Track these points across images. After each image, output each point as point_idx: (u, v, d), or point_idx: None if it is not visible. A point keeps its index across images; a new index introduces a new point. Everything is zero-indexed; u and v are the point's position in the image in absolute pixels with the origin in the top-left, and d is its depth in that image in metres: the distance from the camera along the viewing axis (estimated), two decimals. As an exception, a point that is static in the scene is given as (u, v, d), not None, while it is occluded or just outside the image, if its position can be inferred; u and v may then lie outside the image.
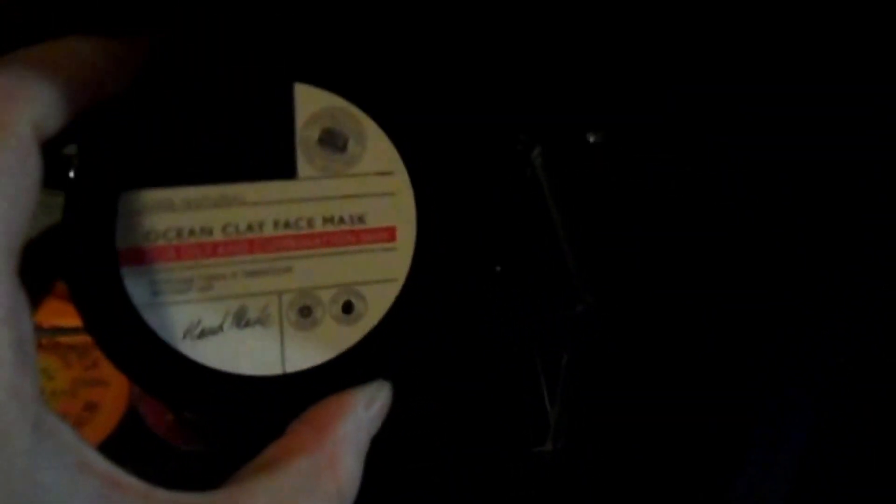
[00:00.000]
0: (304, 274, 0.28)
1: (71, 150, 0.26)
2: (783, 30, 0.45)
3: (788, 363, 0.44)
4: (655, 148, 0.45)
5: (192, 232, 0.26)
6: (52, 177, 0.23)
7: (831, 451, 0.44)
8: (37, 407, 0.20)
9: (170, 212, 0.26)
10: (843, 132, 0.45)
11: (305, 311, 0.27)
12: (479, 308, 0.49)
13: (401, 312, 0.28)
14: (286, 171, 0.27)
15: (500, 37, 0.48)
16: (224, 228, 0.27)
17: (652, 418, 0.46)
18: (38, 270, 0.26)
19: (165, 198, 0.26)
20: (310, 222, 0.27)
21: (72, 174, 0.25)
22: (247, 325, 0.27)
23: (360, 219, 0.28)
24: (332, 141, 0.27)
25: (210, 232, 0.26)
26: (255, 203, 0.27)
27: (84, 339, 0.46)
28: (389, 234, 0.28)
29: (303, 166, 0.27)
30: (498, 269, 0.48)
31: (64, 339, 0.50)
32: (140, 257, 0.26)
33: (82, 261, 0.25)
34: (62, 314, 0.48)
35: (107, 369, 0.51)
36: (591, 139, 0.46)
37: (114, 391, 0.51)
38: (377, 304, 0.28)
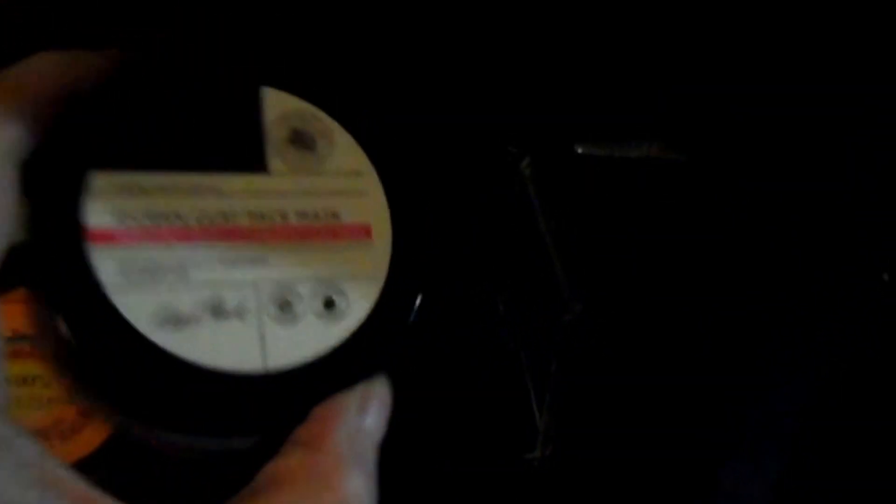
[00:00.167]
0: (281, 266, 0.27)
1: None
2: (776, 30, 0.46)
3: (776, 369, 0.45)
4: (645, 153, 0.46)
5: (165, 216, 0.26)
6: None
7: (814, 465, 0.45)
8: None
9: (142, 195, 0.26)
10: (841, 132, 0.46)
11: (285, 306, 0.27)
12: (468, 314, 0.50)
13: (386, 311, 0.27)
14: (257, 165, 0.27)
15: (488, 40, 0.48)
16: (197, 217, 0.26)
17: (641, 425, 0.47)
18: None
19: (137, 181, 0.26)
20: (283, 215, 0.27)
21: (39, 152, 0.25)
22: (224, 316, 0.26)
23: (335, 215, 0.28)
24: (302, 140, 0.27)
25: (183, 218, 0.26)
26: (228, 194, 0.27)
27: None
28: (365, 231, 0.28)
29: (274, 162, 0.27)
30: (487, 275, 0.49)
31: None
32: (110, 237, 0.25)
33: (47, 236, 0.24)
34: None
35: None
36: (580, 150, 0.47)
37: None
38: (359, 301, 0.27)
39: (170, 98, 0.26)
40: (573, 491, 0.48)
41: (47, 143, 0.25)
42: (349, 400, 0.25)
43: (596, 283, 0.47)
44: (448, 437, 0.49)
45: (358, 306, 0.27)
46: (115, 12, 0.57)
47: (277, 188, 0.27)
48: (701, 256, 0.46)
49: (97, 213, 0.25)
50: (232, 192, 0.27)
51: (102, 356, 0.24)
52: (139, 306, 0.25)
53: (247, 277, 0.27)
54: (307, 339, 0.27)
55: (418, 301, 0.27)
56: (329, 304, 0.27)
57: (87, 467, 0.44)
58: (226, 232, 0.27)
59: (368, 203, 0.29)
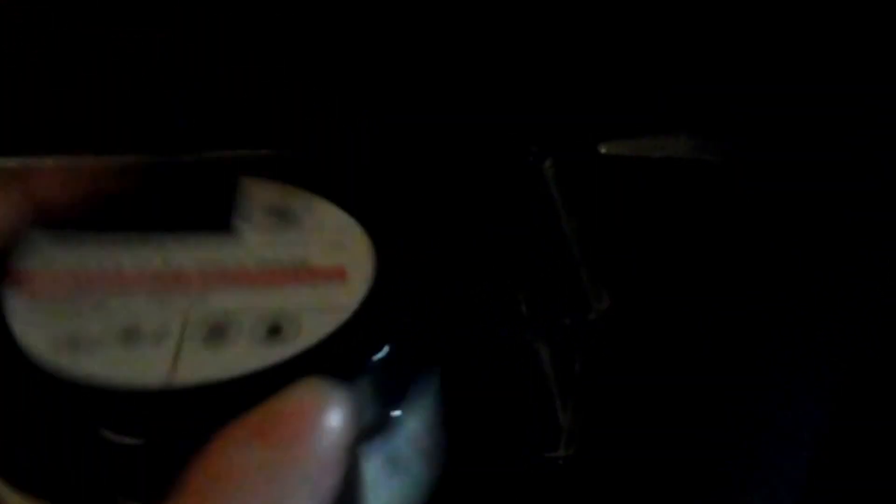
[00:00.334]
0: (224, 299, 0.26)
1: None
2: (776, 30, 0.46)
3: (802, 370, 0.46)
4: (673, 153, 0.46)
5: (100, 263, 0.25)
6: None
7: (841, 464, 0.45)
8: None
9: (79, 247, 0.25)
10: (841, 132, 0.46)
11: (216, 329, 0.25)
12: (490, 314, 0.50)
13: (341, 342, 0.26)
14: (224, 228, 0.25)
15: (510, 39, 0.48)
16: (137, 264, 0.25)
17: (666, 425, 0.47)
18: None
19: (77, 237, 0.25)
20: (241, 263, 0.26)
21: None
22: (137, 339, 0.25)
23: (304, 262, 0.27)
24: (278, 212, 0.25)
25: (119, 265, 0.25)
26: (179, 249, 0.26)
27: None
28: (339, 273, 0.27)
29: (244, 227, 0.25)
30: (510, 274, 0.49)
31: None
32: (31, 278, 0.24)
33: None
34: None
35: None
36: (603, 150, 0.47)
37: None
38: (313, 331, 0.26)
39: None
40: (597, 490, 0.49)
41: None
42: (239, 430, 0.22)
43: (619, 283, 0.47)
44: (471, 436, 0.49)
45: (309, 335, 0.26)
46: (115, 12, 0.56)
47: (241, 243, 0.26)
48: (726, 257, 0.46)
49: (26, 258, 0.24)
50: (186, 247, 0.26)
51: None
52: (39, 332, 0.24)
53: (177, 307, 0.25)
54: (231, 360, 0.25)
55: (384, 347, 0.26)
56: (274, 330, 0.26)
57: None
58: (166, 276, 0.25)
59: (346, 253, 0.28)
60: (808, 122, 0.47)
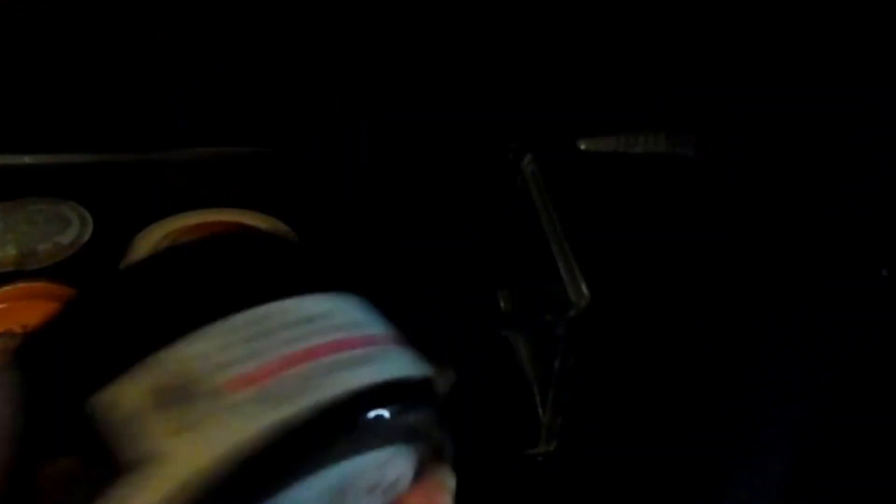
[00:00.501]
0: None
1: None
2: (776, 29, 0.46)
3: (785, 365, 0.46)
4: (651, 149, 0.46)
5: None
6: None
7: (825, 454, 0.45)
8: None
9: None
10: (840, 132, 0.46)
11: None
12: (470, 311, 0.50)
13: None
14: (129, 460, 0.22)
15: (490, 40, 0.48)
16: None
17: (646, 422, 0.47)
18: None
19: None
20: None
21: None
22: None
23: None
24: (171, 394, 0.22)
25: None
26: None
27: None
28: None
29: (141, 444, 0.22)
30: (490, 271, 0.49)
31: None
32: None
33: None
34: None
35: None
36: (583, 146, 0.47)
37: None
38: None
39: None
40: (577, 487, 0.49)
41: None
42: None
43: (599, 280, 0.47)
44: (451, 433, 0.49)
45: None
46: (115, 12, 0.57)
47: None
48: (705, 254, 0.46)
49: None
50: None
51: None
52: None
53: None
54: None
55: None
56: None
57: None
58: None
59: None
60: (808, 122, 0.46)
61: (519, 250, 0.49)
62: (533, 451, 0.49)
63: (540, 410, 0.49)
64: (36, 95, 0.60)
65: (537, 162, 0.48)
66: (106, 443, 0.21)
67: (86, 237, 0.54)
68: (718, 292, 0.46)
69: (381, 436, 0.24)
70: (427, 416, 0.25)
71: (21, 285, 0.51)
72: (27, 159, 0.59)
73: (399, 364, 0.24)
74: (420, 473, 0.25)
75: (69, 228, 0.54)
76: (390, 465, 0.24)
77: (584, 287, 0.46)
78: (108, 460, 0.21)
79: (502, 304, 0.51)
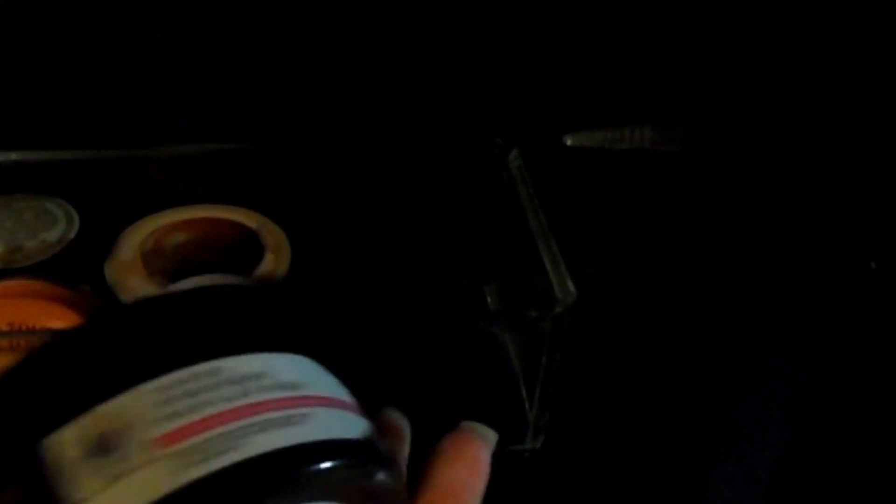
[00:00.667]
0: None
1: None
2: (776, 30, 0.45)
3: (768, 361, 0.45)
4: (637, 145, 0.46)
5: None
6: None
7: (810, 451, 0.45)
8: None
9: None
10: (839, 131, 0.45)
11: None
12: (457, 307, 0.50)
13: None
14: None
15: (476, 39, 0.48)
16: None
17: (632, 416, 0.47)
18: None
19: None
20: None
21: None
22: None
23: None
24: (104, 445, 0.23)
25: None
26: None
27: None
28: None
29: (75, 490, 0.23)
30: (477, 268, 0.49)
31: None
32: None
33: None
34: (54, 316, 0.48)
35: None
36: (569, 142, 0.47)
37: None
38: None
39: None
40: (564, 483, 0.49)
41: None
42: None
43: (586, 275, 0.47)
44: (438, 429, 0.49)
45: None
46: (115, 12, 0.56)
47: None
48: (692, 250, 0.46)
49: None
50: None
51: None
52: None
53: None
54: None
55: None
56: None
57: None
58: None
59: None
60: (808, 122, 0.46)
61: (505, 246, 0.49)
62: (520, 448, 0.49)
63: (527, 406, 0.49)
64: (25, 93, 0.60)
65: (523, 157, 0.47)
66: (47, 484, 0.23)
67: (72, 234, 0.53)
68: (706, 288, 0.46)
69: (305, 493, 0.24)
70: (357, 475, 0.25)
71: (7, 283, 0.50)
72: (14, 156, 0.59)
73: (330, 425, 0.25)
74: None
75: (56, 225, 0.54)
76: None
77: (570, 283, 0.46)
78: (48, 500, 0.22)
79: (489, 300, 0.51)
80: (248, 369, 0.25)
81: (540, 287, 0.47)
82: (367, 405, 0.30)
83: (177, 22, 0.58)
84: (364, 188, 0.53)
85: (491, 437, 0.30)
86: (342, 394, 0.27)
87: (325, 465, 0.24)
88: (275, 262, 0.51)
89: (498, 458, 0.49)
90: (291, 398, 0.25)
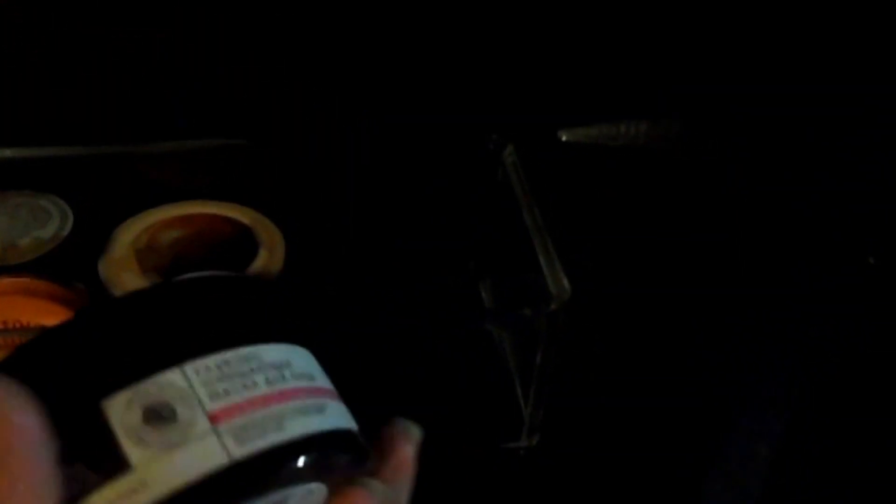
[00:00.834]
0: None
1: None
2: (776, 29, 0.45)
3: (765, 359, 0.45)
4: (631, 141, 0.45)
5: None
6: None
7: (806, 450, 0.45)
8: None
9: None
10: (839, 131, 0.45)
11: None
12: (452, 304, 0.49)
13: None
14: (117, 467, 0.24)
15: (474, 34, 0.48)
16: None
17: (627, 414, 0.47)
18: None
19: None
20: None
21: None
22: None
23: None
24: (158, 415, 0.25)
25: None
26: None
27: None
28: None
29: (134, 453, 0.24)
30: (471, 266, 0.49)
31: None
32: None
33: None
34: (48, 313, 0.48)
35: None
36: (563, 137, 0.47)
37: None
38: None
39: None
40: (558, 481, 0.49)
41: None
42: None
43: (581, 272, 0.47)
44: (433, 426, 0.49)
45: None
46: (115, 12, 0.56)
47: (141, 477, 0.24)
48: (687, 246, 0.45)
49: None
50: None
51: None
52: None
53: None
54: None
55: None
56: None
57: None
58: None
59: None
60: (803, 119, 0.46)
61: (500, 243, 0.49)
62: (514, 445, 0.49)
63: (522, 404, 0.49)
64: (19, 90, 0.60)
65: (518, 154, 0.47)
66: (113, 442, 0.24)
67: (66, 231, 0.53)
68: (701, 285, 0.46)
69: (324, 475, 0.27)
70: (350, 459, 0.28)
71: (0, 280, 0.50)
72: (8, 152, 0.58)
73: (339, 417, 0.28)
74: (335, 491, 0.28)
75: (49, 222, 0.54)
76: (318, 490, 0.28)
77: (564, 280, 0.46)
78: (113, 458, 0.24)
79: (484, 297, 0.51)
80: (277, 357, 0.27)
81: (535, 284, 0.47)
82: (362, 401, 0.30)
83: (176, 21, 0.58)
84: (359, 184, 0.53)
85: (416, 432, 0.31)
86: (333, 386, 0.30)
87: (347, 453, 0.28)
88: (269, 258, 0.51)
89: (493, 456, 0.49)
90: (310, 388, 0.28)
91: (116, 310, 0.27)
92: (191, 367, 0.26)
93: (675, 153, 0.44)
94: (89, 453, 0.24)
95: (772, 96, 0.45)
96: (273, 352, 0.27)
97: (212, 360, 0.26)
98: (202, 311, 0.28)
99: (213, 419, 0.25)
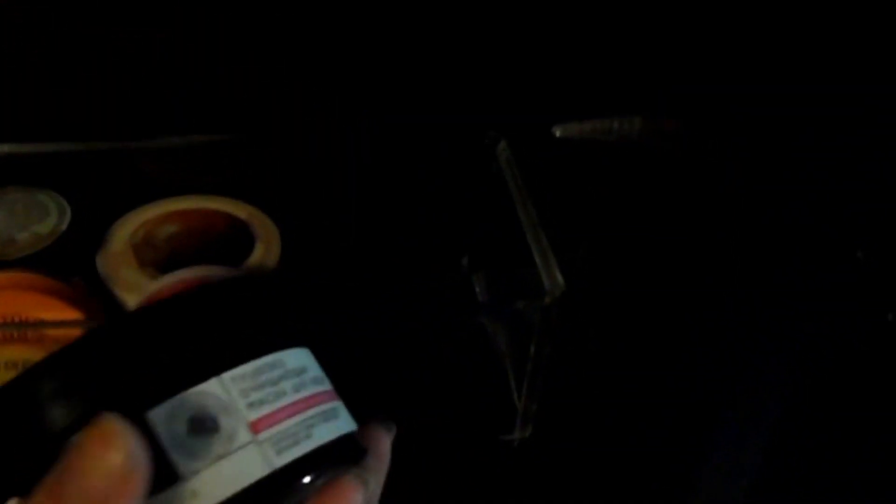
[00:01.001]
0: None
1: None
2: (776, 30, 0.46)
3: (757, 355, 0.46)
4: (626, 137, 0.46)
5: None
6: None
7: (798, 445, 0.45)
8: None
9: None
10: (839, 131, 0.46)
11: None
12: (446, 297, 0.50)
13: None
14: (166, 478, 0.24)
15: (470, 35, 0.48)
16: None
17: (621, 407, 0.47)
18: None
19: None
20: None
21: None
22: None
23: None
24: (202, 426, 0.25)
25: None
26: None
27: (68, 332, 0.46)
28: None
29: (182, 464, 0.25)
30: (465, 261, 0.49)
31: (49, 333, 0.50)
32: None
33: None
34: (47, 308, 0.48)
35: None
36: (558, 133, 0.47)
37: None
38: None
39: None
40: (552, 473, 0.49)
41: None
42: None
43: (574, 266, 0.47)
44: (427, 418, 0.49)
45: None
46: (115, 12, 0.56)
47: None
48: (681, 242, 0.46)
49: None
50: None
51: None
52: None
53: None
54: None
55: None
56: None
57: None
58: None
59: None
60: (799, 117, 0.46)
61: (494, 237, 0.49)
62: (508, 437, 0.49)
63: (516, 396, 0.49)
64: (17, 86, 0.60)
65: (512, 149, 0.47)
66: (163, 451, 0.24)
67: (64, 226, 0.54)
68: (694, 281, 0.46)
69: (336, 473, 0.28)
70: (355, 458, 0.29)
71: (0, 275, 0.51)
72: (6, 148, 0.59)
73: (348, 419, 0.29)
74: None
75: (47, 217, 0.54)
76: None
77: (558, 274, 0.46)
78: (164, 467, 0.24)
79: (478, 291, 0.51)
80: (296, 363, 0.28)
81: (528, 278, 0.47)
82: (357, 395, 0.31)
83: (176, 21, 0.58)
84: (359, 181, 0.54)
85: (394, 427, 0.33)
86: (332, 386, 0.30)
87: (355, 452, 0.29)
88: (265, 252, 0.52)
89: (487, 448, 0.50)
90: (326, 392, 0.29)
91: (147, 319, 0.27)
92: (228, 377, 0.26)
93: (668, 149, 0.45)
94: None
95: (767, 95, 0.45)
96: (292, 357, 0.28)
97: (246, 369, 0.26)
98: (233, 317, 0.28)
99: (254, 429, 0.26)
